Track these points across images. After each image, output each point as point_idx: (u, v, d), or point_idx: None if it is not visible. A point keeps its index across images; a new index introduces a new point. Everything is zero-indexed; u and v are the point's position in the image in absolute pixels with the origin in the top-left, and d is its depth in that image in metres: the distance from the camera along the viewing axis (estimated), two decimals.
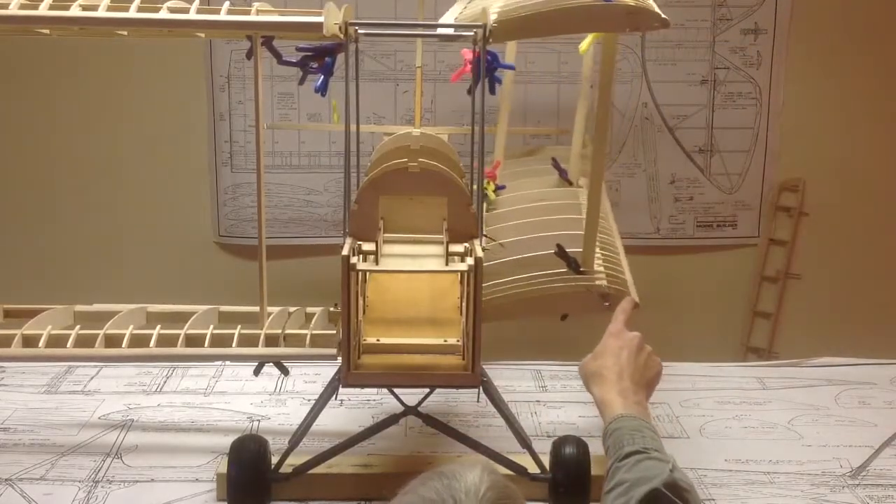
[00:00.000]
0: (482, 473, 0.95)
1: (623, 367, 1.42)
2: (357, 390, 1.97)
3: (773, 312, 2.86)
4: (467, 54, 1.60)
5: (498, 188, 2.03)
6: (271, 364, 1.69)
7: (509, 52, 2.17)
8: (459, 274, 1.58)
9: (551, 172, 2.12)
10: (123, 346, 1.61)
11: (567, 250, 1.71)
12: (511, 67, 1.71)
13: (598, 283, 1.68)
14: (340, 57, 1.60)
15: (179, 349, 1.62)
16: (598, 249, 1.74)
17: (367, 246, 1.52)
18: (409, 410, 1.65)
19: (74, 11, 1.54)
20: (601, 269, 1.72)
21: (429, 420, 1.66)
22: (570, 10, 1.54)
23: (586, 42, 1.82)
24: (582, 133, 2.15)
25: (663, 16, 1.50)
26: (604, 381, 1.41)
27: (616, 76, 2.76)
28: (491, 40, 1.55)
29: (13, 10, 1.54)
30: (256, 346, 1.63)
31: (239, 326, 1.65)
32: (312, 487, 1.65)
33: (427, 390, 1.65)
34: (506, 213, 1.94)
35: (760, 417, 2.01)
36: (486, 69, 1.58)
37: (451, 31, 1.71)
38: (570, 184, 2.11)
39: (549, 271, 1.70)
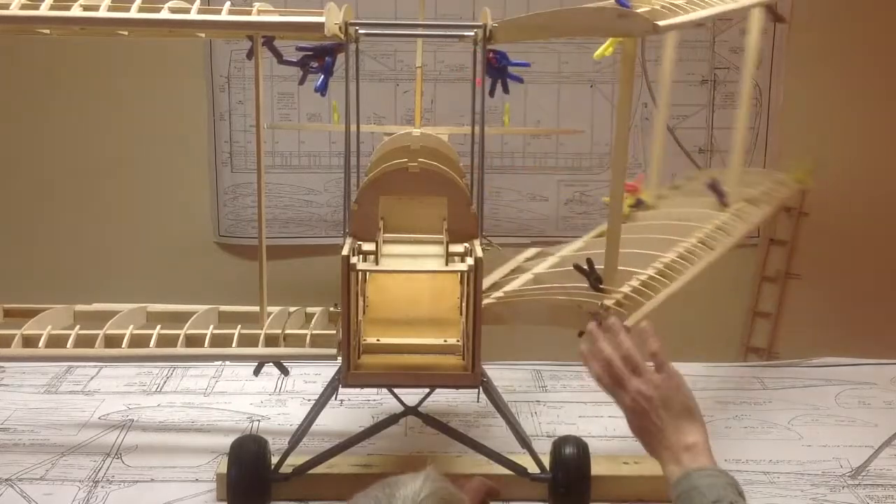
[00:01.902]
0: (424, 482, 0.97)
1: (651, 420, 1.35)
2: (357, 390, 1.97)
3: (773, 312, 2.86)
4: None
5: (638, 204, 1.96)
6: (271, 364, 1.69)
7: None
8: (459, 274, 1.58)
9: (710, 194, 2.04)
10: (123, 346, 1.61)
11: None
12: (526, 65, 1.70)
13: (594, 301, 1.59)
14: (341, 56, 1.61)
15: (179, 349, 1.62)
16: (652, 270, 1.69)
17: (368, 246, 1.52)
18: (409, 410, 1.65)
19: (75, 12, 1.54)
20: (628, 288, 1.63)
21: (429, 420, 1.66)
22: (562, 15, 1.55)
23: (602, 49, 1.80)
24: (741, 153, 2.08)
25: (654, 22, 1.46)
26: (652, 449, 1.35)
27: (616, 76, 2.76)
28: (491, 41, 1.56)
29: (14, 11, 1.54)
30: (256, 346, 1.63)
31: (239, 326, 1.65)
32: (312, 487, 1.65)
33: (427, 390, 1.65)
34: (631, 226, 1.89)
35: (760, 417, 2.01)
36: (499, 69, 1.60)
37: (450, 31, 1.71)
38: (726, 207, 2.02)
39: (570, 284, 1.66)
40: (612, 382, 1.39)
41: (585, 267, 1.63)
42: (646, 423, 1.36)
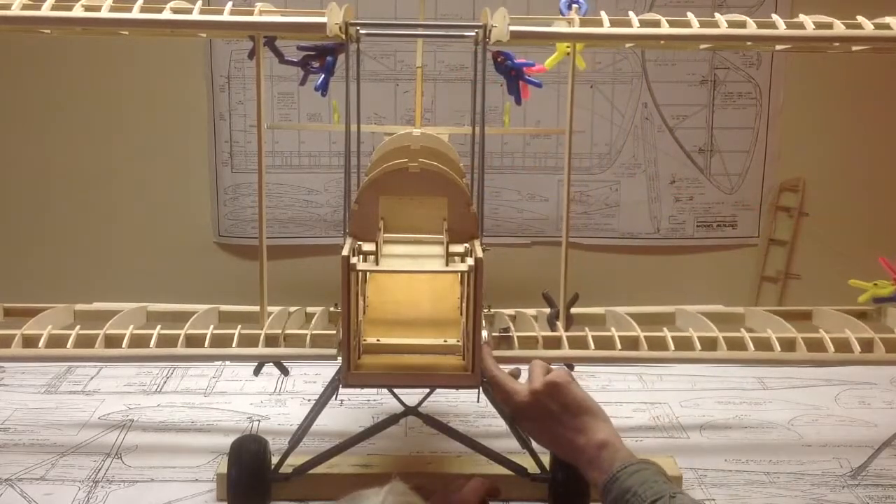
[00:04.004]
0: (386, 496, 0.97)
1: (551, 426, 1.34)
2: (357, 390, 1.97)
3: None
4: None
5: None
6: (271, 364, 1.69)
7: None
8: (460, 274, 1.58)
9: None
10: (123, 346, 1.61)
11: None
12: (530, 65, 1.70)
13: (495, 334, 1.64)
14: (341, 56, 1.61)
15: (179, 349, 1.62)
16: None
17: (368, 246, 1.52)
18: (409, 410, 1.65)
19: (77, 12, 1.54)
20: (582, 332, 1.65)
21: (429, 420, 1.66)
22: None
23: (552, 58, 1.82)
24: None
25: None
26: (567, 455, 1.34)
27: (616, 76, 2.77)
28: (492, 41, 1.56)
29: (16, 11, 1.54)
30: (256, 346, 1.63)
31: (239, 326, 1.65)
32: (312, 487, 1.65)
33: (427, 390, 1.65)
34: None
35: (760, 417, 2.01)
36: (516, 74, 1.61)
37: (450, 31, 1.72)
38: None
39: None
40: (501, 398, 1.41)
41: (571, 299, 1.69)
42: (550, 433, 1.35)
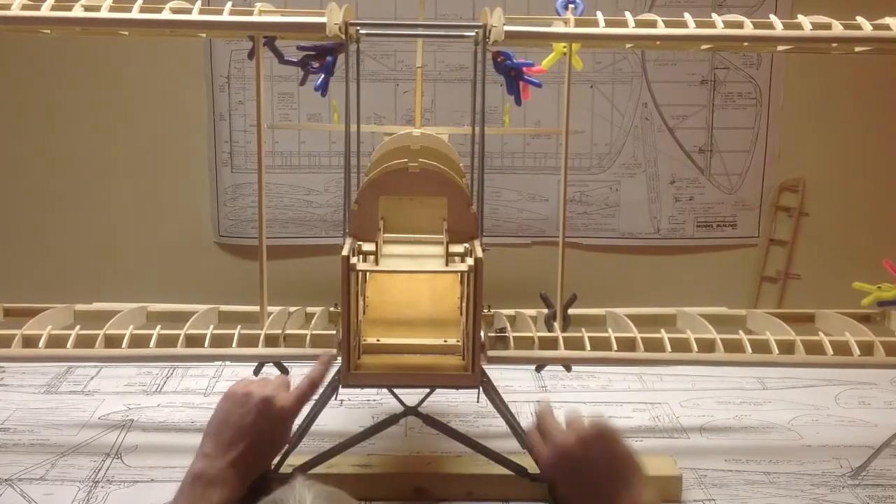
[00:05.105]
0: (301, 489, 1.00)
1: (597, 485, 1.30)
2: (357, 390, 1.96)
3: None
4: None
5: None
6: (271, 364, 1.69)
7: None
8: (459, 274, 1.58)
9: None
10: (123, 346, 1.61)
11: None
12: (529, 64, 1.70)
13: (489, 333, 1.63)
14: (341, 56, 1.61)
15: (179, 349, 1.62)
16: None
17: (367, 246, 1.52)
18: (409, 410, 1.65)
19: (77, 12, 1.54)
20: (579, 333, 1.64)
21: (429, 420, 1.66)
22: None
23: (549, 59, 1.82)
24: None
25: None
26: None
27: (616, 76, 2.77)
28: (490, 41, 1.56)
29: (16, 11, 1.54)
30: (256, 346, 1.63)
31: (239, 326, 1.65)
32: None
33: (427, 390, 1.65)
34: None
35: (760, 417, 2.01)
36: (515, 75, 1.61)
37: (450, 31, 1.71)
38: None
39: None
40: (547, 450, 1.36)
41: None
42: (592, 484, 1.30)
